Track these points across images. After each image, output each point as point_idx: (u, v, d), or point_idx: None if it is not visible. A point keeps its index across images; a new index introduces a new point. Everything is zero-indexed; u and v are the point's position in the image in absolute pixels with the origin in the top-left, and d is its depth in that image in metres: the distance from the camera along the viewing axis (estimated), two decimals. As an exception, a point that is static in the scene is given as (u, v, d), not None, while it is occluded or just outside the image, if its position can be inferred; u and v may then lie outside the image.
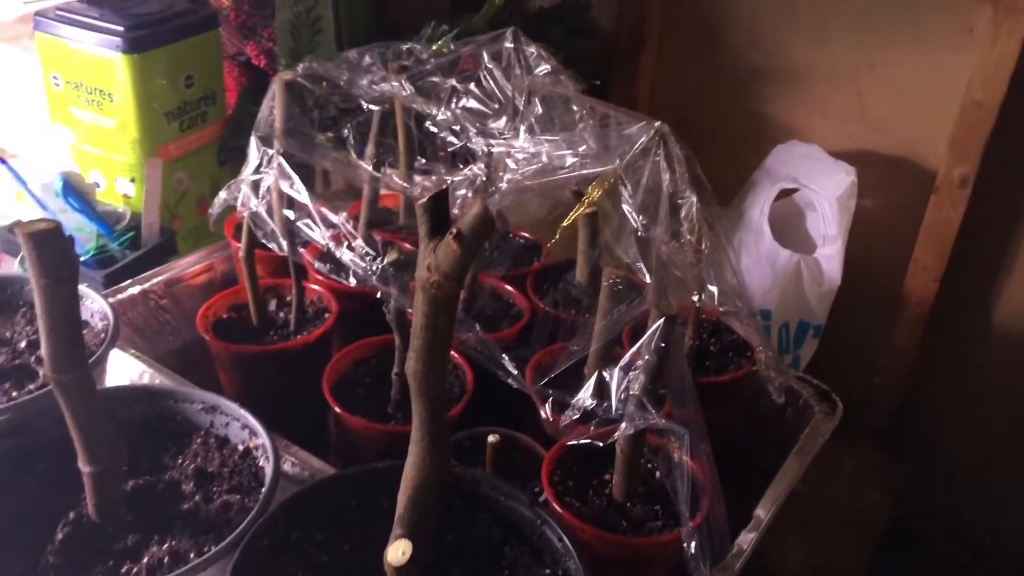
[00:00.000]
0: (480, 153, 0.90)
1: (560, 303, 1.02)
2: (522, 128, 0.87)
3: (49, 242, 0.56)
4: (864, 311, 1.58)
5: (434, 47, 1.01)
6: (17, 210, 1.15)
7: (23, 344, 0.84)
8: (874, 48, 1.50)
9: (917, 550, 1.57)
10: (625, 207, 0.74)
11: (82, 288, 0.82)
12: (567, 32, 1.54)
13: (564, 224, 0.85)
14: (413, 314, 0.50)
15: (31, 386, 0.78)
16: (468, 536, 0.68)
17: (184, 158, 1.32)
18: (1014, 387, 1.53)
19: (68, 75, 1.24)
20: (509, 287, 1.05)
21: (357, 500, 0.69)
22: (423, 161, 0.99)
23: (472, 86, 0.94)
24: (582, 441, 0.72)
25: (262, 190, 0.89)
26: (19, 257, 1.10)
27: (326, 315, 0.99)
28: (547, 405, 0.72)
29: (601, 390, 0.70)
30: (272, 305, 1.01)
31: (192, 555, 0.64)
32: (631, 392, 0.68)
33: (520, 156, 0.82)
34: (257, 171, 0.89)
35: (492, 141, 0.88)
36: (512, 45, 0.94)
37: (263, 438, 0.73)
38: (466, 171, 0.92)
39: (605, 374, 0.70)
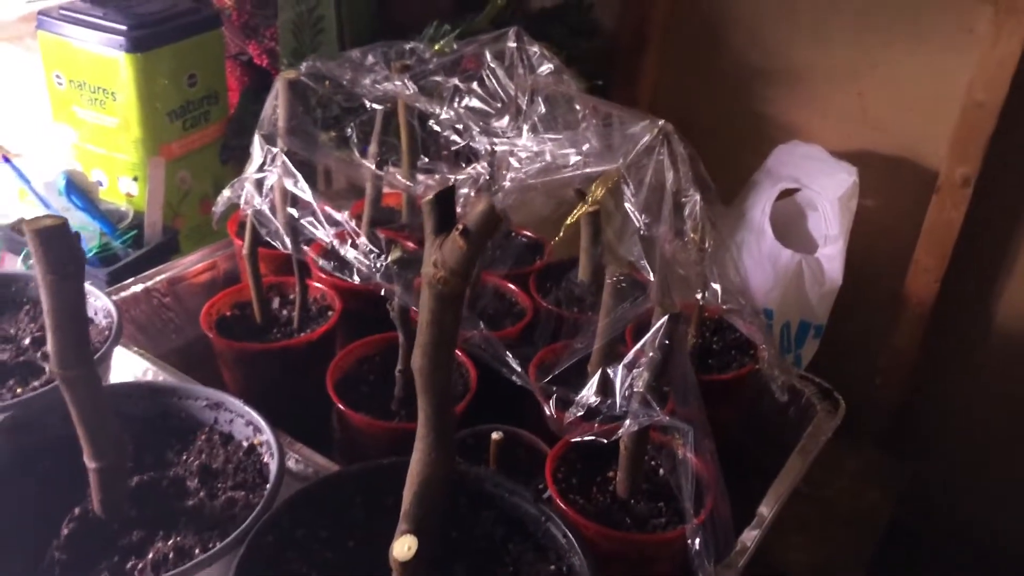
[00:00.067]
0: (483, 152, 0.90)
1: (563, 301, 1.02)
2: (525, 127, 0.88)
3: (56, 238, 0.56)
4: (865, 311, 1.58)
5: (437, 46, 1.01)
6: (20, 209, 1.15)
7: (27, 341, 0.84)
8: (875, 48, 1.50)
9: (917, 550, 1.57)
10: (628, 206, 0.74)
11: (86, 286, 0.82)
12: (569, 32, 1.54)
13: (567, 223, 0.85)
14: (419, 310, 0.50)
15: (35, 383, 0.78)
16: (472, 533, 0.68)
17: (187, 157, 1.32)
18: (1014, 387, 1.54)
19: (71, 74, 1.24)
20: (512, 285, 1.05)
21: (362, 497, 0.69)
22: (426, 160, 1.00)
23: (475, 85, 0.94)
24: (586, 438, 0.72)
25: (265, 188, 0.89)
26: (23, 255, 1.10)
27: (329, 313, 0.99)
28: (551, 402, 0.73)
29: (605, 387, 0.70)
30: (275, 303, 1.02)
31: (197, 551, 0.64)
32: (635, 389, 0.68)
33: (523, 155, 0.82)
34: (261, 169, 0.89)
35: (495, 140, 0.88)
36: (515, 44, 0.95)
37: (267, 434, 0.73)
38: (469, 170, 0.92)
39: (609, 371, 0.70)
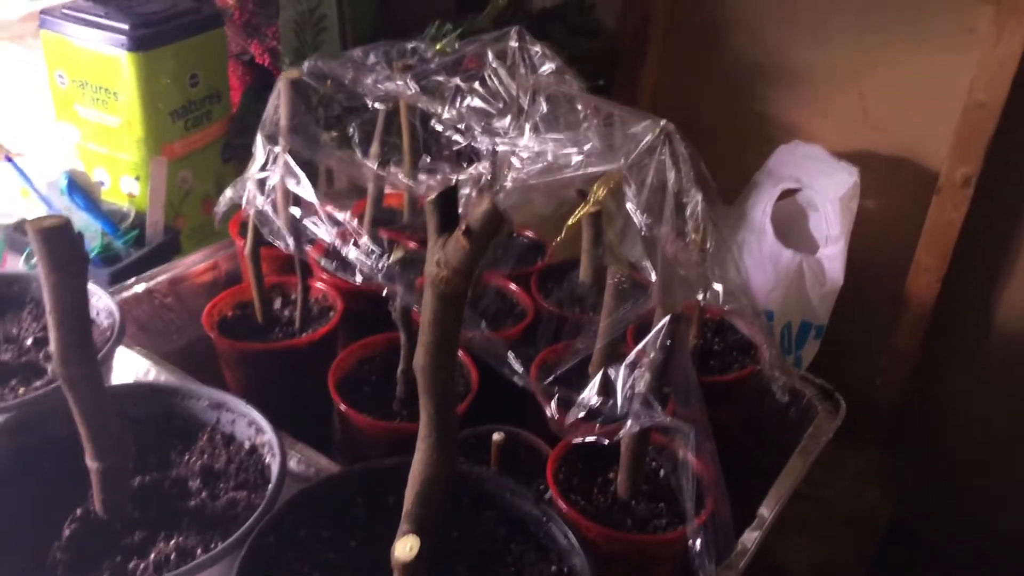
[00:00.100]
0: (485, 152, 0.90)
1: (564, 302, 1.02)
2: (527, 127, 0.88)
3: (59, 238, 0.56)
4: (866, 312, 1.58)
5: (439, 46, 1.01)
6: (23, 208, 1.15)
7: (29, 341, 0.84)
8: (875, 48, 1.50)
9: (917, 550, 1.57)
10: (629, 206, 0.74)
11: (89, 285, 0.82)
12: (570, 32, 1.54)
13: (569, 223, 0.85)
14: (421, 310, 0.50)
15: (38, 383, 0.78)
16: (474, 533, 0.68)
17: (189, 157, 1.32)
18: (1015, 388, 1.54)
19: (73, 73, 1.24)
20: (513, 286, 1.05)
21: (363, 497, 0.69)
22: (428, 160, 1.00)
23: (477, 85, 0.94)
24: (587, 439, 0.72)
25: (267, 188, 0.89)
26: (25, 254, 1.10)
27: (331, 313, 0.99)
28: (552, 403, 0.73)
29: (606, 388, 0.70)
30: (277, 303, 1.02)
31: (199, 551, 0.64)
32: (637, 390, 0.68)
33: (525, 155, 0.82)
34: (263, 169, 0.89)
35: (497, 140, 0.88)
36: (517, 44, 0.95)
37: (269, 435, 0.73)
38: (471, 170, 0.92)
39: (610, 372, 0.70)
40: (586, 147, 0.78)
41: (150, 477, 0.70)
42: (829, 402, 0.98)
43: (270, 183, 0.89)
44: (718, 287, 0.78)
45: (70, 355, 0.60)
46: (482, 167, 0.90)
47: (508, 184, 0.82)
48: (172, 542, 0.65)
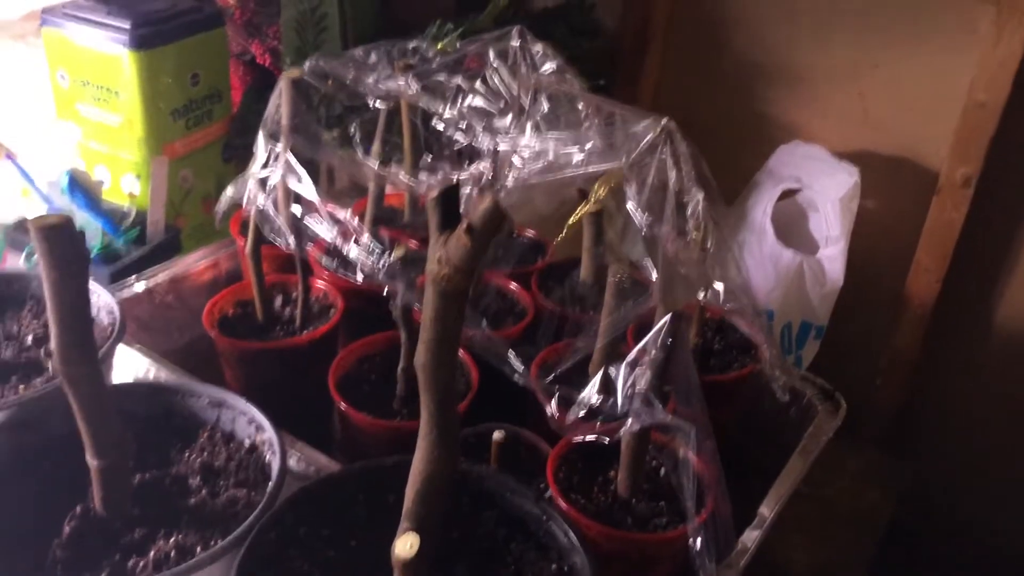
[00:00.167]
0: (486, 151, 0.90)
1: (565, 301, 1.02)
2: (528, 126, 0.88)
3: (60, 236, 0.56)
4: (866, 312, 1.58)
5: (440, 45, 1.01)
6: (23, 207, 1.15)
7: (30, 339, 0.84)
8: (875, 48, 1.51)
9: (917, 550, 1.57)
10: (630, 205, 0.74)
11: (90, 283, 0.82)
12: (571, 32, 1.54)
13: (570, 222, 0.85)
14: (422, 307, 0.50)
15: (38, 381, 0.78)
16: (474, 532, 0.68)
17: (190, 156, 1.32)
18: (1015, 388, 1.54)
19: (74, 72, 1.24)
20: (514, 285, 1.05)
21: (364, 495, 0.69)
22: (429, 159, 1.00)
23: (478, 84, 0.94)
24: (587, 438, 0.72)
25: (268, 187, 0.89)
26: (25, 252, 1.10)
27: (332, 312, 0.99)
28: (552, 402, 0.73)
29: (607, 387, 0.70)
30: (277, 302, 1.02)
31: (199, 549, 0.64)
32: (637, 389, 0.68)
33: (526, 154, 0.82)
34: (264, 168, 0.89)
35: (498, 139, 0.88)
36: (518, 43, 0.94)
37: (270, 433, 0.73)
38: (472, 169, 0.92)
39: (611, 371, 0.70)
40: (587, 146, 0.78)
41: (150, 475, 0.70)
42: (829, 402, 0.98)
43: (271, 182, 0.89)
44: (719, 286, 0.78)
45: (70, 353, 0.60)
46: (483, 166, 0.90)
47: (509, 183, 0.82)
48: (172, 540, 0.65)
